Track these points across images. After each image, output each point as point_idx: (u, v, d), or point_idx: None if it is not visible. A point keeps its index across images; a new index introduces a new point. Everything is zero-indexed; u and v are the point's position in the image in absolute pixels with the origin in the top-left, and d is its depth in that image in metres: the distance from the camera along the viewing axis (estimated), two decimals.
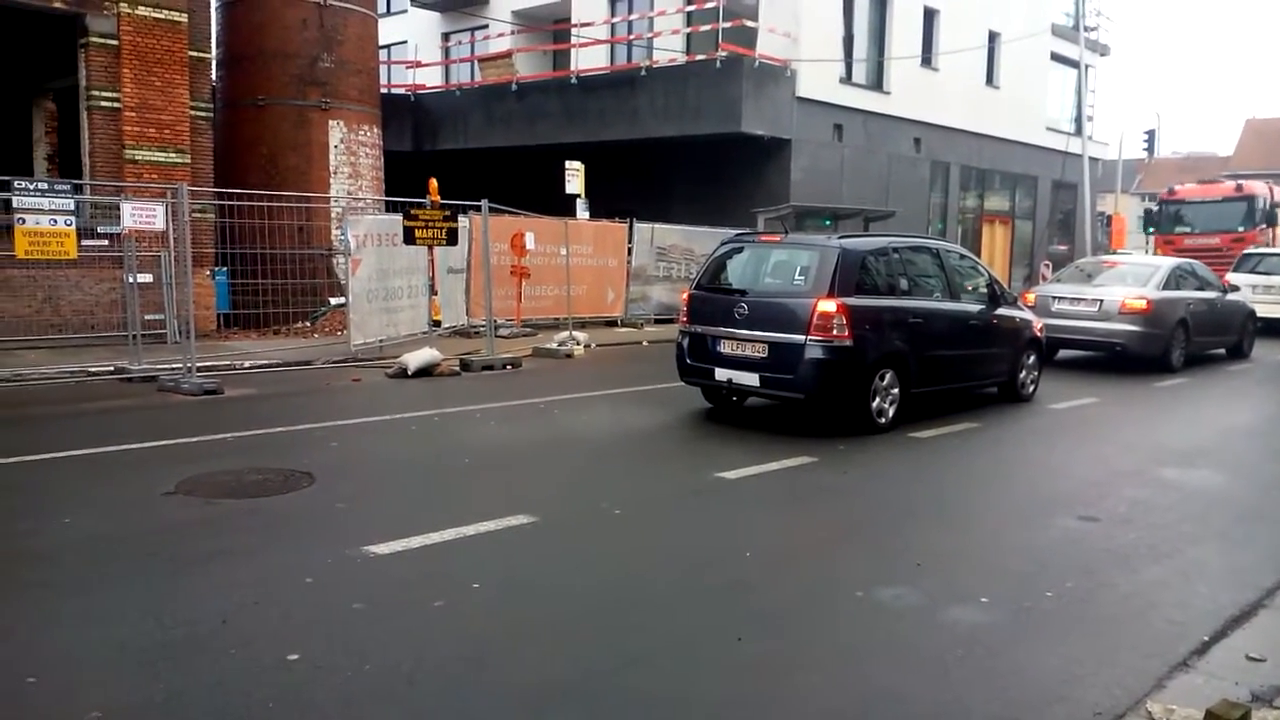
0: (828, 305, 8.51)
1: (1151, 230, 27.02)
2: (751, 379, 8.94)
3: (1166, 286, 14.02)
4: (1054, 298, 14.18)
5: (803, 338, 8.57)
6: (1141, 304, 13.51)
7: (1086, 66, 31.35)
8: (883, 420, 8.95)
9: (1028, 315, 11.33)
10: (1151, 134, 40.02)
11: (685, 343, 9.60)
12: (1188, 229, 25.78)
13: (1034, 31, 30.11)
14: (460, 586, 4.75)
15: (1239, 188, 26.14)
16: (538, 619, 4.44)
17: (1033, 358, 11.16)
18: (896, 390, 9.09)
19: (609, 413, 10.06)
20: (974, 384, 10.63)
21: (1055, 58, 32.47)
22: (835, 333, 8.51)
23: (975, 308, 10.31)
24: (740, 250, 9.95)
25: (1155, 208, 27.15)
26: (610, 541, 5.67)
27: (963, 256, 10.97)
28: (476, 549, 5.35)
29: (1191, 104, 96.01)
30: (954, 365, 10.04)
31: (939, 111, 26.72)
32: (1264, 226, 25.17)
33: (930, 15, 26.74)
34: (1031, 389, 11.16)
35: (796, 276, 8.99)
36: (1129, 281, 14.17)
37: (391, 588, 4.75)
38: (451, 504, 6.27)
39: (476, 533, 5.57)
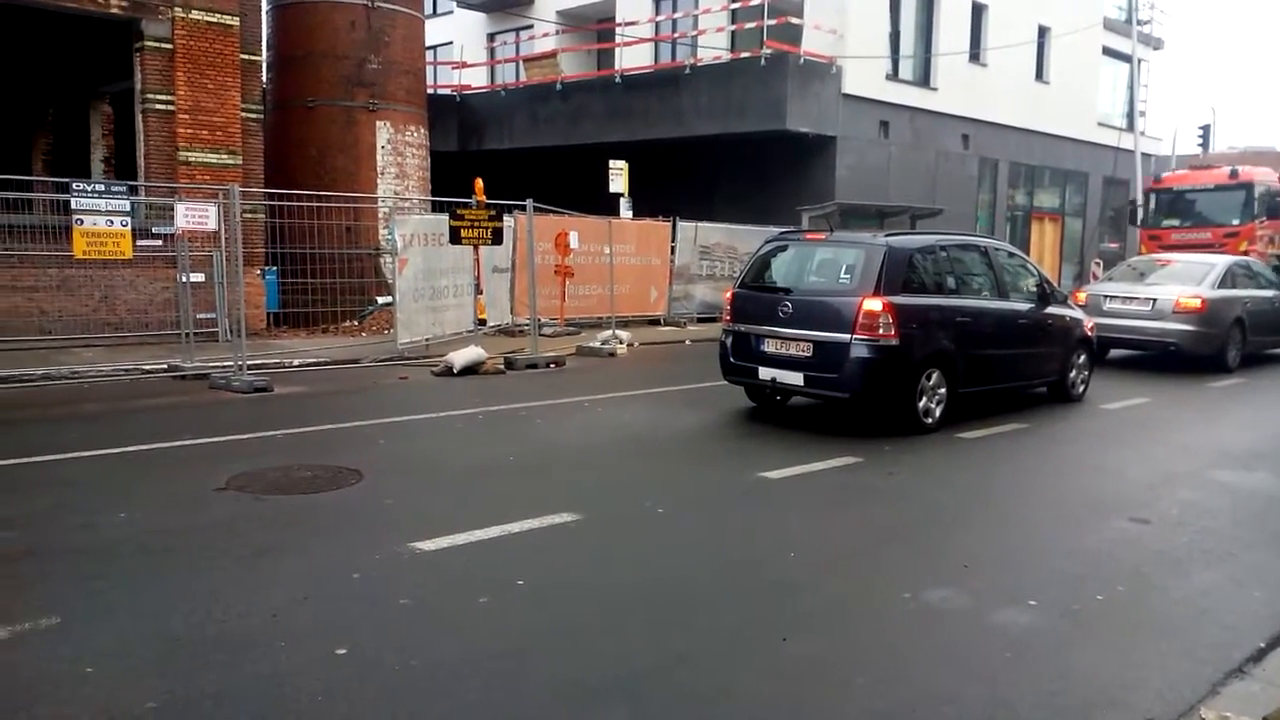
0: (874, 304, 8.41)
1: (1138, 225, 23.59)
2: (796, 378, 8.87)
3: (1222, 285, 13.75)
4: (1106, 296, 14.02)
5: (848, 336, 8.47)
6: (1196, 303, 13.27)
7: (1139, 60, 30.75)
8: (929, 421, 8.86)
9: (1078, 314, 11.15)
10: (1207, 128, 39.07)
11: (729, 341, 9.56)
12: (1176, 221, 22.56)
13: (1085, 25, 29.60)
14: (505, 583, 4.78)
15: (1234, 174, 22.34)
16: (582, 616, 4.46)
17: (1083, 357, 10.98)
18: (944, 390, 8.99)
19: (652, 411, 10.06)
20: (1023, 384, 10.48)
21: (1107, 52, 31.91)
22: (881, 332, 8.41)
23: (1024, 306, 10.16)
24: (785, 248, 9.87)
25: (1141, 198, 24.13)
26: (654, 540, 5.67)
27: (1011, 254, 10.81)
28: (521, 546, 5.39)
29: (1250, 97, 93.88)
30: (1002, 365, 9.90)
31: (987, 108, 26.38)
32: (1264, 219, 21.72)
33: (979, 10, 26.41)
34: (1082, 389, 10.99)
35: (842, 275, 8.90)
36: (1183, 280, 13.92)
37: (437, 584, 4.80)
38: (496, 501, 6.31)
39: (521, 530, 5.61)
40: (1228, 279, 14.00)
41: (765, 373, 9.10)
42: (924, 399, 8.82)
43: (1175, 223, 22.44)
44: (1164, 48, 36.25)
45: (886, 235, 9.22)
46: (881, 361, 8.47)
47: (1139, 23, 31.01)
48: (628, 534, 5.77)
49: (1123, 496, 6.85)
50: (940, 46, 25.16)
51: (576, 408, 10.15)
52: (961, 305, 9.32)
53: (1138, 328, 13.61)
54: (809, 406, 10.02)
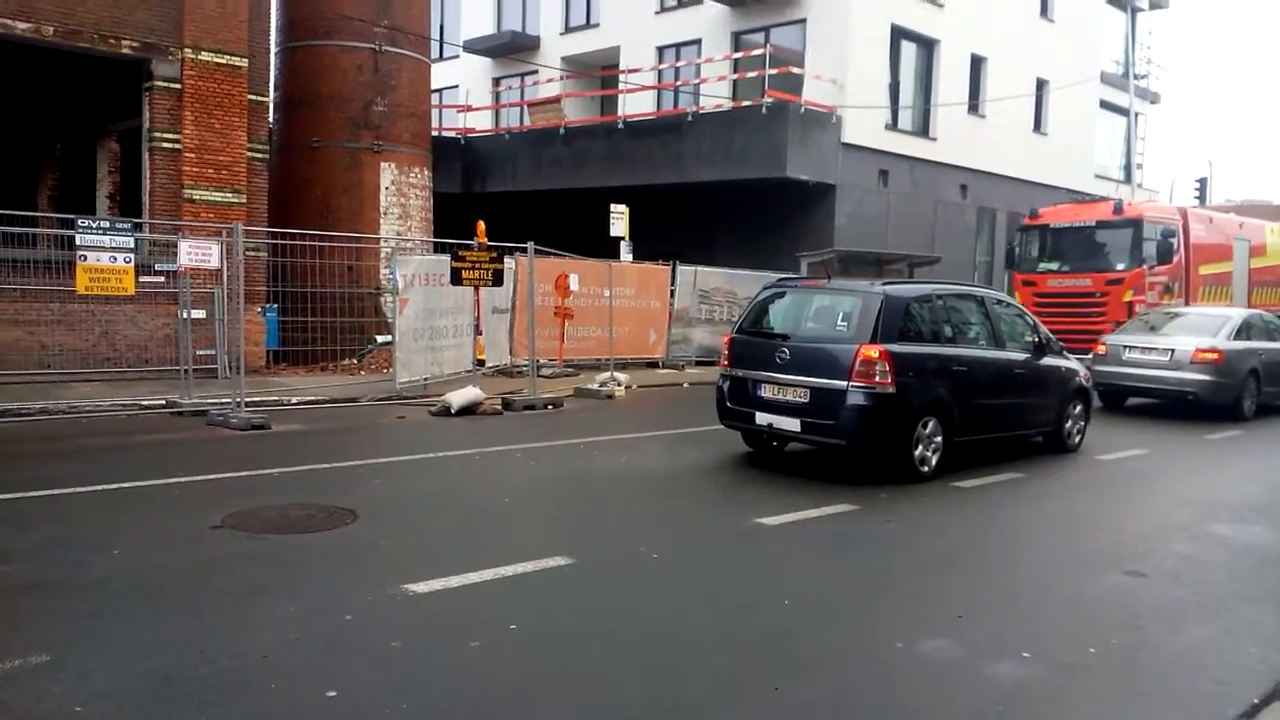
0: (871, 351, 8.47)
1: (1011, 268, 21.26)
2: (792, 424, 8.89)
3: (1237, 337, 14.23)
4: (1125, 346, 14.54)
5: (845, 383, 8.50)
6: (1214, 355, 13.73)
7: (1136, 114, 31.16)
8: (925, 469, 8.86)
9: (1074, 364, 11.20)
10: (1204, 181, 39.52)
11: (726, 386, 9.59)
12: (1055, 265, 19.77)
13: (1083, 79, 30.03)
14: (498, 627, 4.77)
15: (1119, 208, 19.31)
16: (575, 662, 4.45)
17: (1079, 407, 11.01)
18: (940, 439, 8.99)
19: (649, 455, 10.07)
20: (1019, 433, 10.49)
21: (1104, 105, 32.32)
22: (878, 379, 8.45)
23: (1020, 356, 10.22)
24: (783, 295, 9.96)
25: (1015, 239, 21.16)
26: (648, 585, 5.66)
27: (1007, 304, 10.90)
28: (514, 589, 5.38)
29: (1247, 151, 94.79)
30: (998, 414, 9.94)
31: (986, 158, 26.68)
32: (1154, 265, 18.68)
33: (978, 63, 26.79)
34: (1078, 439, 11.01)
35: (839, 322, 8.98)
36: (1200, 332, 14.39)
37: (430, 627, 4.79)
38: (490, 544, 6.31)
39: (515, 573, 5.60)
40: (1243, 331, 14.46)
41: (762, 418, 9.13)
42: (920, 447, 8.83)
43: (1053, 266, 19.77)
44: (1160, 102, 36.71)
45: (884, 284, 9.29)
46: (878, 409, 8.50)
47: (1136, 77, 31.50)
48: (622, 579, 5.76)
49: (1118, 548, 6.84)
50: (939, 97, 25.48)
51: (573, 450, 10.16)
52: (958, 354, 9.38)
53: (1157, 377, 14.08)
54: (806, 452, 10.03)
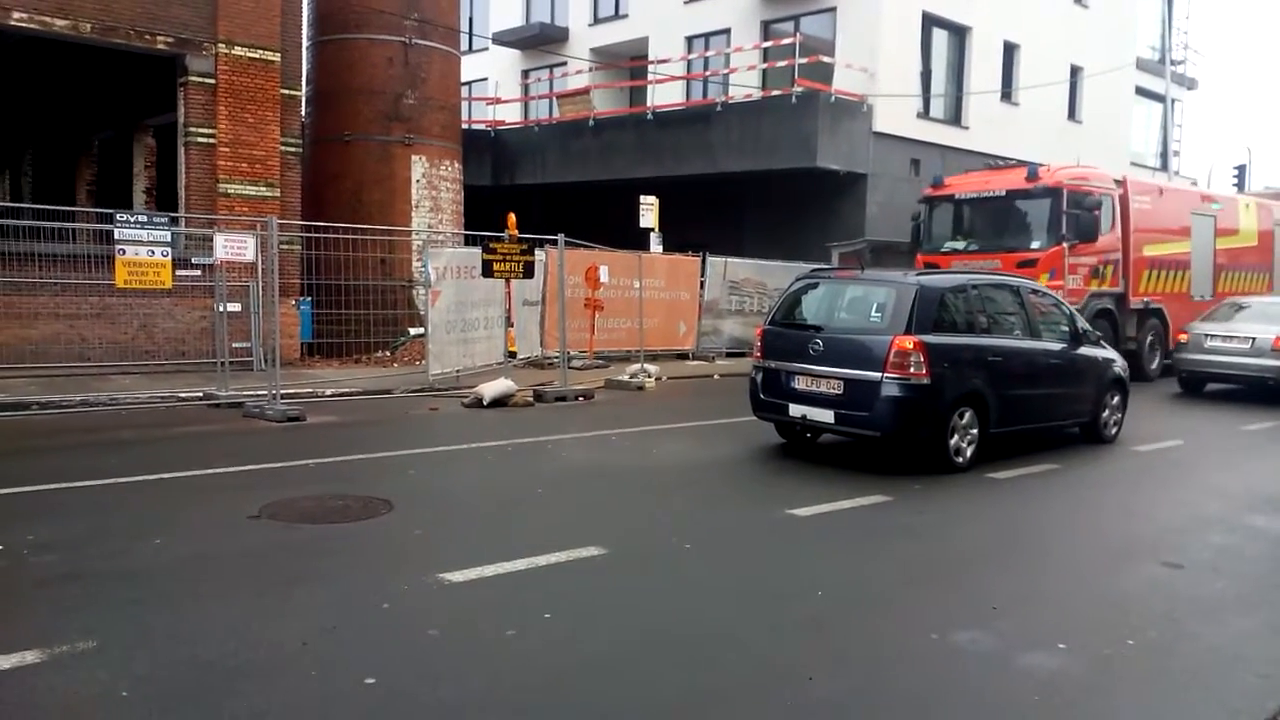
0: (905, 342, 8.43)
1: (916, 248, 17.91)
2: (826, 415, 8.88)
3: None
4: (1207, 335, 15.23)
5: (879, 375, 8.48)
6: None
7: (1173, 100, 30.70)
8: (961, 460, 8.81)
9: (1111, 354, 11.09)
10: (1242, 169, 38.88)
11: (759, 378, 9.58)
12: (961, 244, 16.79)
13: (1118, 66, 29.60)
14: (532, 616, 4.81)
15: (1033, 174, 16.07)
16: (608, 651, 4.47)
17: (1116, 398, 10.88)
18: (975, 430, 8.94)
19: (680, 446, 10.08)
20: (1054, 424, 10.37)
21: (1140, 92, 31.87)
22: (913, 370, 8.42)
23: (1056, 346, 10.13)
24: (815, 286, 9.93)
25: (919, 213, 17.89)
26: (681, 575, 5.68)
27: (1043, 294, 10.80)
28: (548, 579, 5.42)
29: None
30: (1034, 404, 9.83)
31: (1019, 146, 26.27)
32: (1074, 241, 15.73)
33: (1010, 50, 26.48)
34: (1114, 430, 10.88)
35: (873, 313, 8.95)
36: (1277, 320, 14.90)
37: (465, 615, 4.84)
38: (524, 533, 6.35)
39: (548, 563, 5.64)
40: None
41: (795, 409, 9.11)
42: (955, 438, 8.78)
43: (959, 245, 16.77)
44: (1198, 88, 36.17)
45: (917, 274, 9.24)
46: (913, 400, 8.47)
47: (1172, 63, 31.02)
48: (655, 569, 5.78)
49: (1154, 540, 6.78)
50: (971, 85, 25.23)
51: (604, 441, 10.19)
52: (993, 345, 9.30)
53: (1237, 364, 14.79)
54: (837, 443, 10.00)
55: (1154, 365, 17.64)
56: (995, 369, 9.16)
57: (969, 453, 8.90)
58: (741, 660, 4.41)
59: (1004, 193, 16.45)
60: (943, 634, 4.74)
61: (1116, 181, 17.14)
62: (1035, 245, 15.82)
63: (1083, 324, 10.77)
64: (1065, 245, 15.66)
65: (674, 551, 6.11)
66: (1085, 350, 10.45)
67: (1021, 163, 17.05)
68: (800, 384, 9.09)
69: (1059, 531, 7.22)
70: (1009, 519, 7.46)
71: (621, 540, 6.21)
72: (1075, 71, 28.77)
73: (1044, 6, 27.31)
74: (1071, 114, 28.92)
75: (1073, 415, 10.46)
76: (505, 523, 6.82)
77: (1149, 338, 17.65)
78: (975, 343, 9.14)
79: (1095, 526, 7.33)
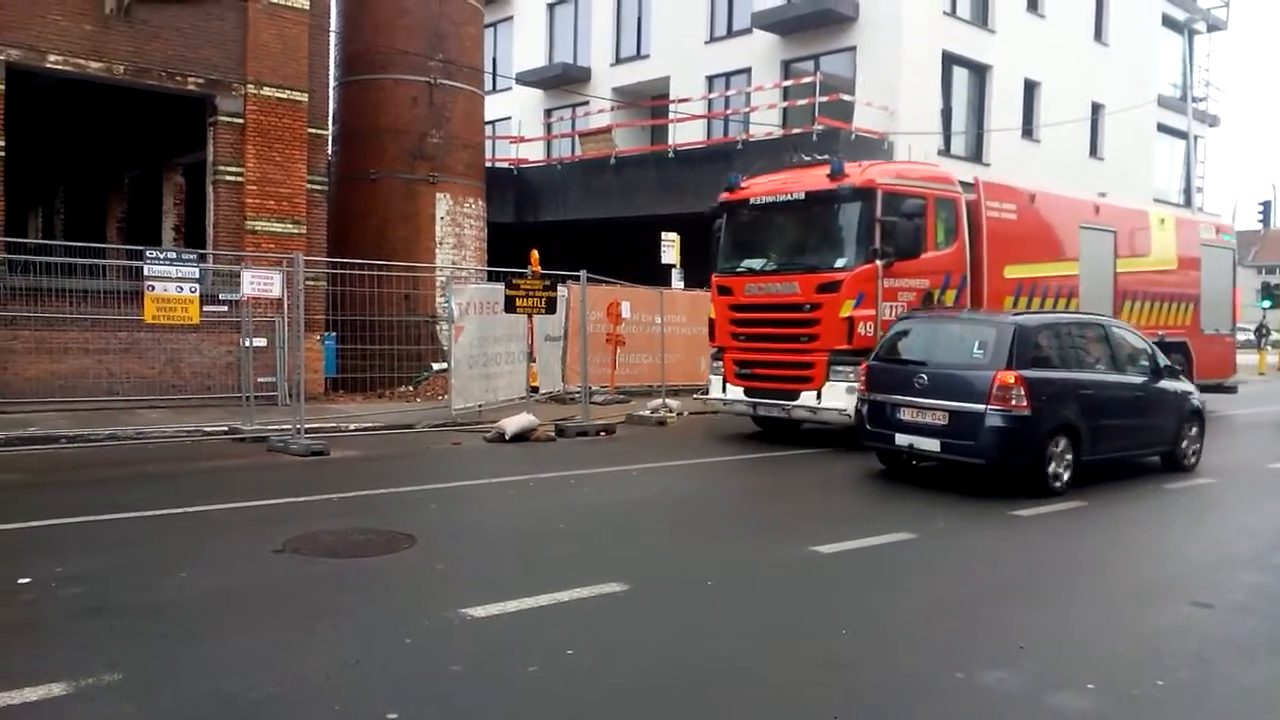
0: (1008, 377, 9.11)
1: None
2: (932, 444, 9.50)
3: None
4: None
5: (983, 407, 9.14)
6: None
7: (1195, 137, 30.64)
8: (1058, 485, 9.38)
9: (1189, 387, 11.51)
10: (1267, 204, 38.72)
11: (865, 409, 10.31)
12: (758, 262, 13.20)
13: (1139, 103, 29.66)
14: (554, 652, 4.80)
15: (838, 172, 12.25)
16: (631, 689, 4.45)
17: (1195, 429, 11.32)
18: (1070, 456, 9.50)
19: (701, 481, 10.06)
20: (1138, 452, 10.89)
21: (1162, 129, 31.86)
22: (1014, 403, 9.08)
23: (1139, 379, 10.63)
24: (914, 325, 10.70)
25: (718, 225, 14.12)
26: (703, 612, 5.65)
27: (1126, 330, 11.30)
28: (570, 615, 5.40)
29: None
30: (1120, 434, 10.35)
31: (1040, 183, 26.37)
32: (891, 257, 11.98)
33: (1031, 87, 26.59)
34: (1194, 460, 11.30)
35: (975, 350, 9.62)
36: None
37: (488, 651, 4.83)
38: (546, 569, 6.35)
39: (570, 599, 5.63)
40: None
41: (902, 439, 9.75)
42: (1053, 465, 9.37)
43: (755, 264, 13.16)
44: (1220, 125, 36.12)
45: (1015, 314, 10.36)
46: (1014, 430, 9.11)
47: (1194, 100, 31.00)
48: (677, 605, 5.76)
49: (1183, 579, 6.70)
50: (992, 123, 25.31)
51: (626, 476, 10.19)
52: (1083, 379, 9.93)
53: None
54: (860, 480, 9.96)
55: None
56: (1086, 401, 9.75)
57: (1065, 478, 9.46)
58: (765, 698, 4.38)
59: (804, 196, 12.64)
60: (969, 673, 4.69)
61: (965, 183, 13.55)
62: (840, 263, 12.08)
63: (1162, 359, 11.14)
64: (880, 263, 11.94)
65: (697, 587, 6.08)
66: (1165, 383, 10.95)
67: (828, 160, 13.24)
68: (906, 415, 9.73)
69: (1085, 569, 7.14)
70: (1034, 557, 7.39)
71: (644, 576, 6.20)
72: (1096, 109, 28.83)
73: (1064, 45, 27.43)
74: (1093, 151, 28.93)
75: (1154, 444, 11.04)
76: (527, 558, 6.82)
77: None
78: (1068, 377, 9.78)
79: (1123, 564, 7.24)
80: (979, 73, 25.29)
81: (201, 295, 11.58)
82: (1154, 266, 16.65)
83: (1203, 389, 16.25)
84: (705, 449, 12.25)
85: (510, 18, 33.36)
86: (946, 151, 24.19)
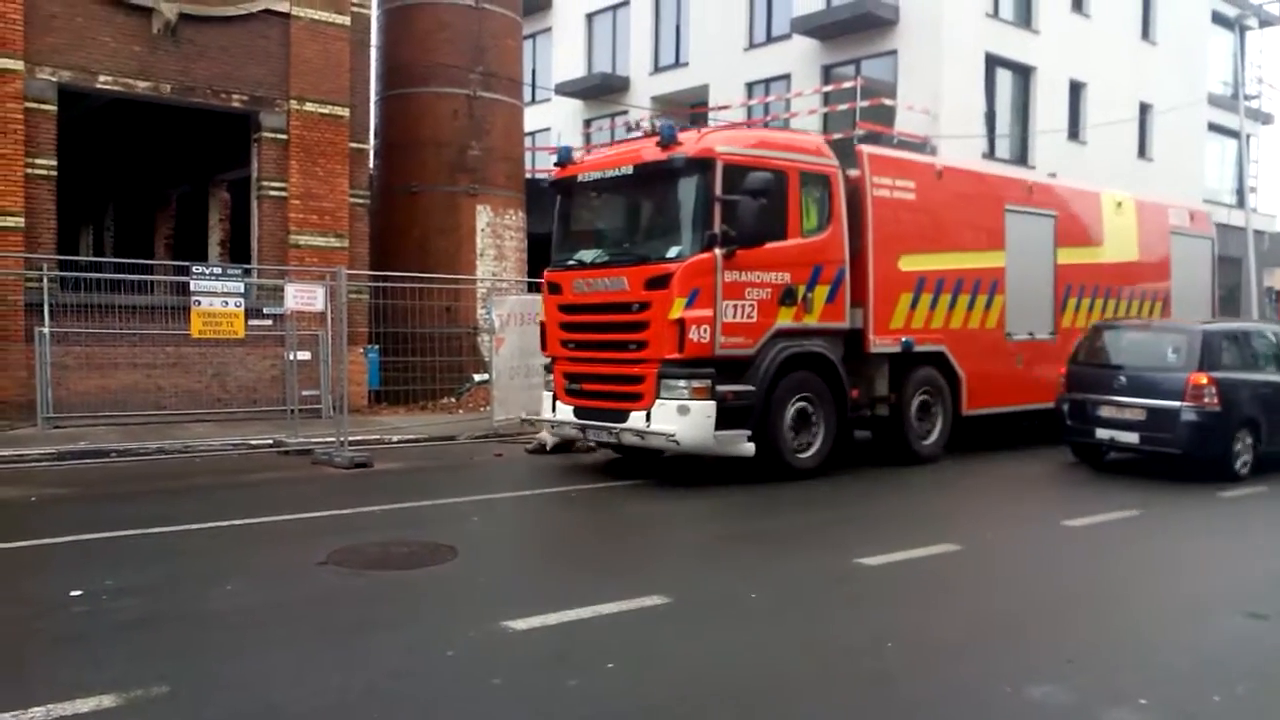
0: (1200, 377, 10.49)
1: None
2: (1131, 438, 10.93)
3: None
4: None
5: (1179, 404, 10.49)
6: None
7: (1248, 136, 29.99)
8: (1244, 471, 10.77)
9: None
10: None
11: (1066, 408, 11.49)
12: (588, 254, 10.88)
13: (1189, 102, 29.11)
14: (595, 666, 4.77)
15: (669, 139, 9.92)
16: (672, 703, 4.41)
17: None
18: (1252, 447, 10.84)
19: (744, 494, 9.98)
20: None
21: (1213, 128, 31.26)
22: (1206, 400, 10.44)
23: None
24: (1106, 333, 12.02)
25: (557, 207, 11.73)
26: (746, 626, 5.60)
27: None
28: (611, 628, 5.37)
29: None
30: None
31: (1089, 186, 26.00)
32: (736, 247, 9.65)
33: (1077, 88, 26.21)
34: None
35: (1170, 354, 10.99)
36: None
37: (528, 664, 4.82)
38: (587, 581, 6.33)
39: (611, 611, 5.60)
40: None
41: (1102, 433, 11.12)
42: (1239, 454, 10.75)
43: (586, 256, 10.88)
44: (1274, 123, 35.33)
45: (1201, 324, 11.39)
46: (1207, 424, 10.45)
47: (1246, 98, 30.34)
48: (719, 619, 5.71)
49: (1238, 590, 6.53)
50: (1038, 125, 24.98)
51: (669, 487, 10.14)
52: (1262, 379, 11.32)
53: None
54: (905, 491, 9.84)
55: (930, 439, 11.80)
56: (1264, 398, 11.12)
57: (1249, 466, 10.84)
58: (810, 713, 4.32)
59: (631, 170, 10.36)
60: (1016, 687, 4.60)
61: (842, 152, 11.37)
62: (673, 253, 9.80)
63: None
64: (719, 251, 9.61)
65: (739, 600, 6.03)
66: None
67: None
68: (1105, 412, 11.04)
69: (1137, 581, 6.98)
70: (1084, 568, 7.23)
71: (685, 588, 6.15)
72: (1144, 109, 28.35)
73: (1110, 44, 27.02)
74: (1142, 152, 28.44)
75: None
76: (568, 569, 6.81)
77: (917, 398, 11.65)
78: (1249, 377, 11.15)
79: (1175, 576, 7.08)
80: (1023, 74, 24.98)
81: (246, 309, 11.74)
82: (1108, 258, 14.44)
83: None
84: (746, 462, 12.15)
85: (549, 29, 33.54)
86: (991, 155, 23.91)
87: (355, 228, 16.81)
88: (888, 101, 22.20)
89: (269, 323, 14.54)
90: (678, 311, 9.47)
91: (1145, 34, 28.75)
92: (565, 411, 10.72)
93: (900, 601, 6.14)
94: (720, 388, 9.51)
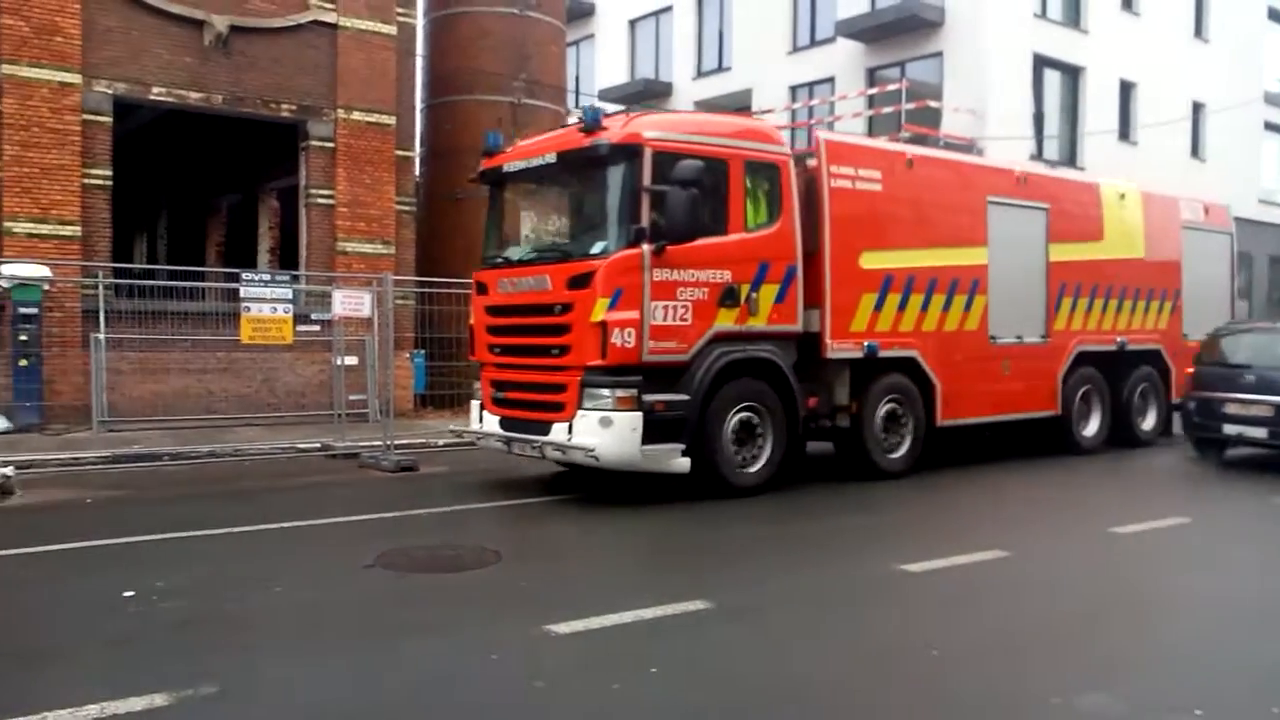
0: None
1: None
2: (1259, 433, 11.37)
3: None
4: None
5: None
6: None
7: None
8: None
9: None
10: None
11: (1192, 406, 12.07)
12: (517, 251, 10.35)
13: (1244, 100, 28.49)
14: (638, 670, 4.77)
15: (594, 124, 9.04)
16: (715, 709, 4.39)
17: None
18: None
19: (787, 499, 9.91)
20: None
21: (1270, 126, 30.58)
22: None
23: None
24: (1230, 334, 12.52)
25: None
26: (789, 630, 5.56)
27: None
28: (654, 632, 5.37)
29: None
30: None
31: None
32: (666, 242, 8.77)
33: (1127, 88, 25.80)
34: None
35: None
36: None
37: (572, 667, 4.83)
38: (630, 585, 6.34)
39: (655, 615, 5.59)
40: None
41: (1230, 429, 11.60)
42: None
43: (514, 254, 10.28)
44: None
45: None
46: None
47: None
48: (762, 623, 5.68)
49: None
50: (1087, 125, 24.62)
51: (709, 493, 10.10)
52: None
53: None
54: (944, 492, 9.71)
55: (898, 452, 10.73)
56: None
57: None
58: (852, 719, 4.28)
59: (554, 158, 9.57)
60: (1066, 697, 4.51)
61: (799, 138, 10.29)
62: (597, 248, 9.05)
63: None
64: (647, 247, 8.77)
65: (782, 605, 5.99)
66: None
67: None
68: (1232, 409, 11.54)
69: (1189, 588, 6.83)
70: (1135, 576, 7.10)
71: (727, 593, 6.13)
72: (1197, 108, 27.82)
73: (1162, 43, 26.56)
74: (1195, 152, 27.91)
75: None
76: (612, 574, 6.82)
77: (883, 407, 10.60)
78: None
79: (1229, 583, 6.90)
80: (1072, 74, 24.63)
81: (294, 315, 11.92)
82: (1109, 254, 13.25)
83: None
84: (792, 466, 12.09)
85: (592, 35, 33.69)
86: (1039, 156, 23.59)
87: (401, 234, 16.99)
88: (933, 104, 21.96)
89: (317, 328, 14.73)
90: (600, 313, 8.63)
91: (1198, 32, 28.21)
92: (491, 422, 9.96)
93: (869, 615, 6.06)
94: (648, 397, 8.63)
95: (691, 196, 8.67)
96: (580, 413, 8.75)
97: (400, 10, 16.99)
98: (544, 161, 9.63)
